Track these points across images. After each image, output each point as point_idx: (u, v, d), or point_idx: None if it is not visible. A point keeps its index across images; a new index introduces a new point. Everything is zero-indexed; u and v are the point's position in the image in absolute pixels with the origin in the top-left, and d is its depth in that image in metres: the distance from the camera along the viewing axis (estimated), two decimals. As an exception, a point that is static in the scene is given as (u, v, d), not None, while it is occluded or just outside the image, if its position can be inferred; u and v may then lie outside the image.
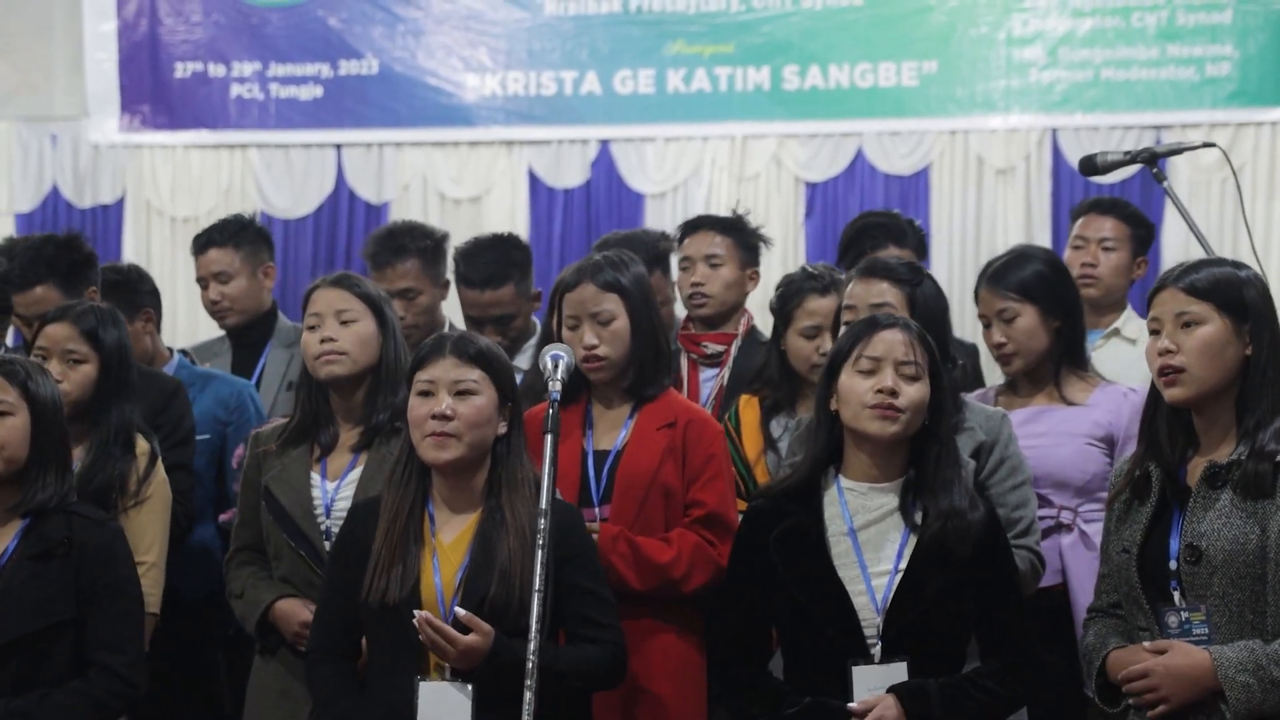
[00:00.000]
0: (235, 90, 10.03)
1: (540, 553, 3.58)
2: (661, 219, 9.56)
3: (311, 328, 4.47)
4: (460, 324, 5.80)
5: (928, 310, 4.32)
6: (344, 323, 4.44)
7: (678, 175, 9.71)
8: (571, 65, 9.67)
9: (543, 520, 3.61)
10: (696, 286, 5.38)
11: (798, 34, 9.46)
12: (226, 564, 4.60)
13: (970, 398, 4.79)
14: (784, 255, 9.15)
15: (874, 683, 3.77)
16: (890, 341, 3.85)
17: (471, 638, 3.71)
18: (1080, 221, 5.95)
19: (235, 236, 5.97)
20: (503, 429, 3.90)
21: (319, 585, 4.32)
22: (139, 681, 4.06)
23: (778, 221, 9.35)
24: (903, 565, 3.82)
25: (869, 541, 3.85)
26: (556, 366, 3.91)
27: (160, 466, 4.65)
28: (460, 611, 3.73)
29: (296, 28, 9.94)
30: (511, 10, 9.73)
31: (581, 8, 9.64)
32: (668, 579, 4.25)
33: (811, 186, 9.63)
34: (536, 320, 5.67)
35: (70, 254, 5.32)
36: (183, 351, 5.73)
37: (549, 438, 3.69)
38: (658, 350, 4.43)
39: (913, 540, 3.84)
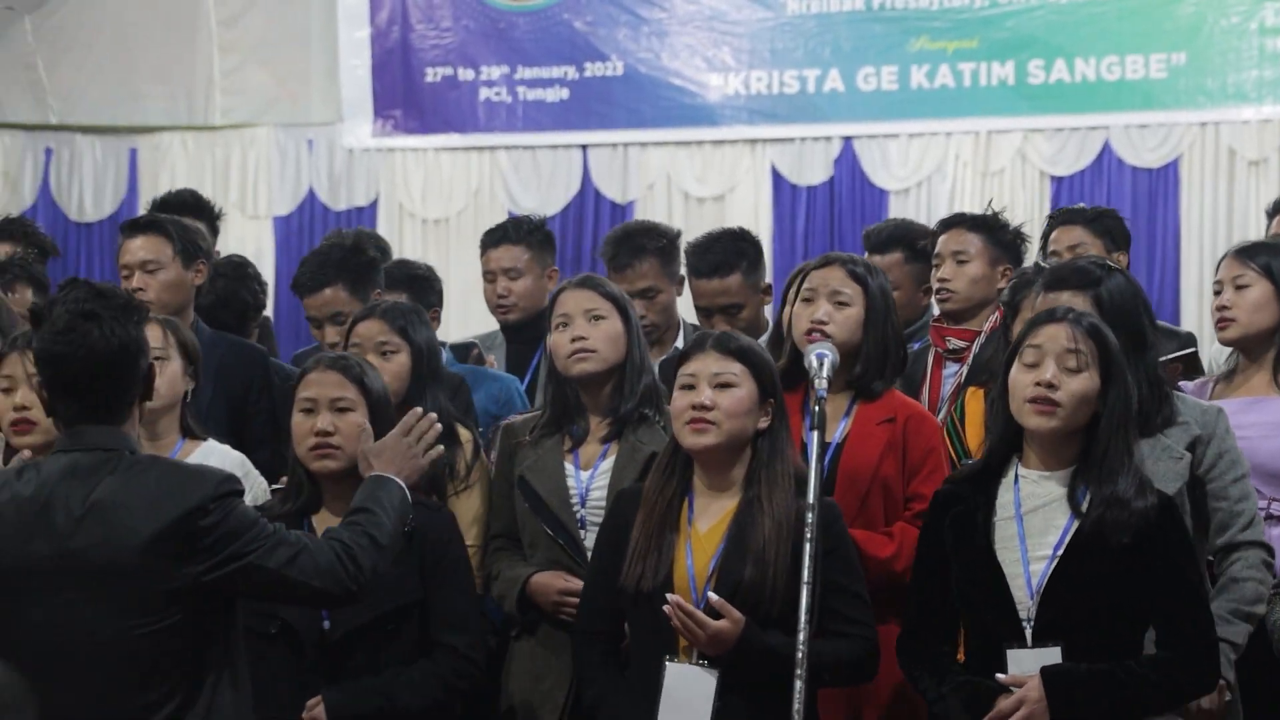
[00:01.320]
0: (484, 94, 10.26)
1: (809, 545, 3.65)
2: (904, 215, 9.54)
3: (561, 326, 4.59)
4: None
5: (1116, 305, 4.29)
6: (593, 320, 4.56)
7: (921, 171, 9.70)
8: (814, 63, 9.72)
9: (810, 514, 3.68)
10: (943, 282, 5.42)
11: (1043, 28, 9.40)
12: (480, 551, 4.73)
13: (1190, 386, 4.75)
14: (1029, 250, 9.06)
15: (1028, 666, 3.78)
16: (1053, 334, 3.85)
17: (721, 623, 3.79)
18: (1277, 219, 5.89)
19: (527, 236, 6.07)
20: (764, 423, 3.98)
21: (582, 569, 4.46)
22: (480, 660, 4.21)
23: (1023, 216, 9.17)
24: (1061, 552, 3.83)
25: (1033, 527, 3.86)
26: (821, 364, 3.98)
27: (483, 454, 4.80)
28: (713, 597, 3.82)
29: (543, 31, 10.13)
30: (755, 10, 9.80)
31: (824, 6, 9.69)
32: (890, 572, 4.31)
33: (1057, 181, 9.56)
34: (768, 317, 5.75)
35: (357, 256, 5.51)
36: (470, 342, 5.91)
37: (814, 434, 3.77)
38: (886, 350, 4.51)
39: (1076, 527, 3.84)
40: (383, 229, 10.37)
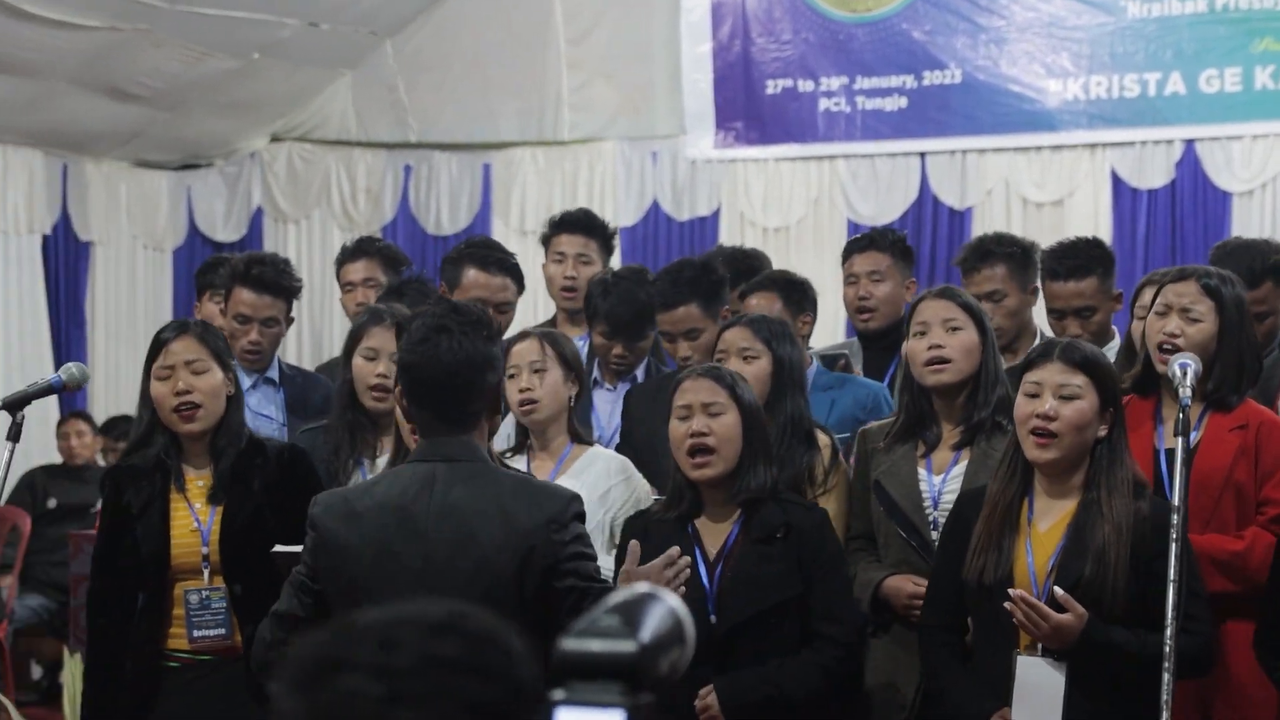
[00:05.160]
0: (823, 104, 10.45)
1: (1174, 545, 3.78)
2: (1248, 217, 9.48)
3: (919, 334, 4.77)
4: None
5: None
6: (951, 330, 4.73)
7: (1266, 172, 9.58)
8: (1155, 66, 9.67)
9: (1175, 515, 3.81)
10: None
11: (1394, 25, 9.22)
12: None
13: None
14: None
15: None
16: None
17: (1065, 616, 3.94)
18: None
19: (890, 245, 6.24)
20: (1103, 431, 4.11)
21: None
22: (857, 648, 4.44)
23: (1373, 217, 9.16)
24: None
25: None
26: (1185, 374, 4.10)
27: (842, 460, 5.00)
28: (1058, 591, 3.96)
29: (882, 41, 10.27)
30: (1094, 14, 9.80)
31: (1165, 9, 9.63)
32: (1242, 567, 4.39)
33: None
34: (1116, 329, 5.85)
35: (709, 275, 5.76)
36: (839, 353, 6.13)
37: (1180, 440, 3.89)
38: (1241, 363, 4.58)
39: None
40: (724, 238, 10.63)
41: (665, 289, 5.70)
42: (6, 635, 8.73)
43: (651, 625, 1.61)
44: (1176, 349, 4.46)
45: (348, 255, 6.64)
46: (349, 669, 1.56)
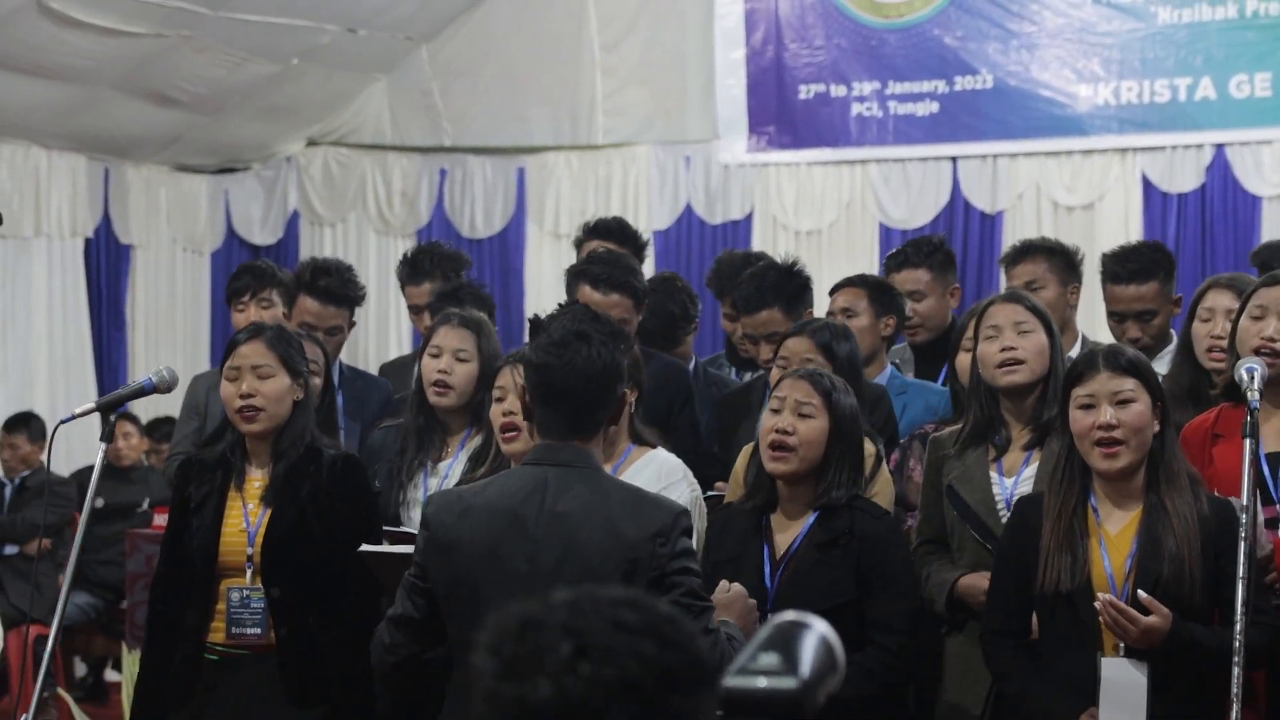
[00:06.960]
0: (855, 109, 10.56)
1: (1243, 544, 3.90)
2: (1278, 221, 9.57)
3: (990, 338, 4.86)
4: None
5: None
6: (1022, 332, 4.83)
7: (1296, 177, 9.69)
8: (1185, 72, 9.78)
9: (1244, 515, 3.92)
10: None
11: None
12: (913, 554, 5.04)
13: None
14: None
15: None
16: None
17: (1152, 619, 4.02)
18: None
19: (928, 258, 6.31)
20: (1156, 428, 4.21)
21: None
22: (907, 661, 4.49)
23: (1403, 221, 9.25)
24: None
25: None
26: (1252, 378, 4.20)
27: (885, 466, 5.08)
28: (1142, 595, 4.05)
29: (914, 47, 10.38)
30: (1125, 21, 9.90)
31: (1196, 15, 9.74)
32: None
33: None
34: (1173, 332, 5.94)
35: (792, 280, 5.84)
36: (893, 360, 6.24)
37: (1248, 442, 4.01)
38: None
39: None
40: (756, 241, 10.76)
41: (749, 293, 5.76)
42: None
43: (809, 659, 1.70)
44: (1277, 354, 4.55)
45: (408, 277, 6.69)
46: (541, 629, 1.68)
